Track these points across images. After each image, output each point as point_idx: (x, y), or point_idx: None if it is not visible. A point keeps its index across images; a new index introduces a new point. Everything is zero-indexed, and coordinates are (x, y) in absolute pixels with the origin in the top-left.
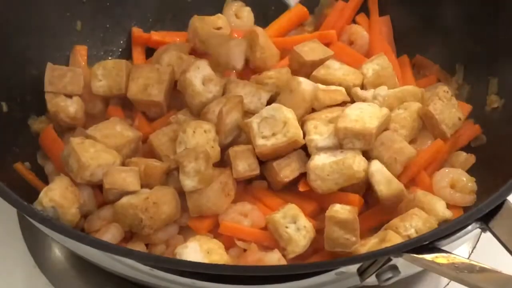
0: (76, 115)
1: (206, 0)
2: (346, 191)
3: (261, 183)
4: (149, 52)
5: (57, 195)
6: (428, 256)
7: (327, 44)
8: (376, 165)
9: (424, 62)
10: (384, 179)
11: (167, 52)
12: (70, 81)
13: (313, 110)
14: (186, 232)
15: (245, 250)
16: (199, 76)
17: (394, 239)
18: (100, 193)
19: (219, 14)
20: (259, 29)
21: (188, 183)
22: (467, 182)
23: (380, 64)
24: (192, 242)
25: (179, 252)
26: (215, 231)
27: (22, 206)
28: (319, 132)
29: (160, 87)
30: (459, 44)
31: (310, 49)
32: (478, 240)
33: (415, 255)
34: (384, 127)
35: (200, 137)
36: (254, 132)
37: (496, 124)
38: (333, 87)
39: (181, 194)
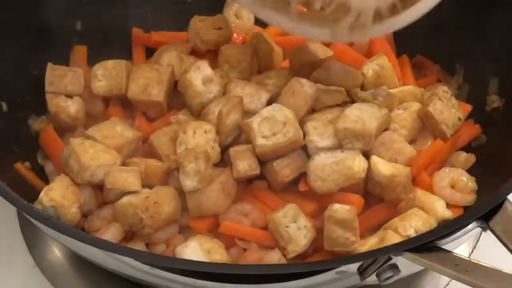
0: (76, 115)
1: (206, 0)
2: (347, 191)
3: (261, 183)
4: (149, 52)
5: (57, 194)
6: (429, 255)
7: (327, 44)
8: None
9: (424, 62)
10: (383, 161)
11: (167, 52)
12: (71, 81)
13: (313, 111)
14: (186, 231)
15: (245, 250)
16: (200, 77)
17: (393, 239)
18: (100, 193)
19: (220, 14)
20: (260, 35)
21: (188, 183)
22: (467, 181)
23: (380, 64)
24: (192, 241)
25: (179, 251)
26: (215, 231)
27: (23, 205)
28: (319, 133)
29: (160, 87)
30: (459, 44)
31: (313, 50)
32: (478, 240)
33: (415, 254)
34: (384, 127)
35: (200, 137)
36: (255, 132)
37: (496, 124)
38: (333, 88)
39: (182, 193)
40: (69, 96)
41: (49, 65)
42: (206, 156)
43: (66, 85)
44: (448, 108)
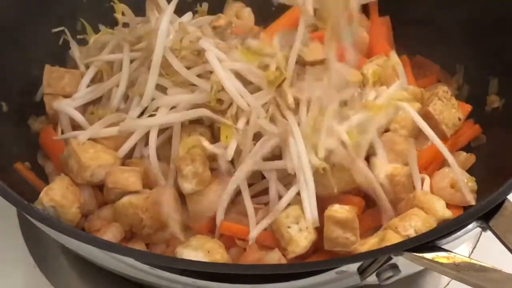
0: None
1: (207, 0)
2: (347, 194)
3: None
4: None
5: (57, 194)
6: (429, 255)
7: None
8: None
9: (424, 62)
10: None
11: None
12: (69, 82)
13: None
14: (186, 232)
15: (245, 250)
16: None
17: (393, 239)
18: (100, 193)
19: (220, 14)
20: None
21: (187, 186)
22: (467, 181)
23: (380, 64)
24: (193, 241)
25: (179, 251)
26: (215, 231)
27: (23, 205)
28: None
29: None
30: (459, 44)
31: (311, 50)
32: (478, 240)
33: (415, 254)
34: (383, 129)
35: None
36: None
37: (496, 124)
38: None
39: (182, 194)
40: (67, 97)
41: (47, 67)
42: (203, 157)
43: (64, 87)
44: (448, 108)
